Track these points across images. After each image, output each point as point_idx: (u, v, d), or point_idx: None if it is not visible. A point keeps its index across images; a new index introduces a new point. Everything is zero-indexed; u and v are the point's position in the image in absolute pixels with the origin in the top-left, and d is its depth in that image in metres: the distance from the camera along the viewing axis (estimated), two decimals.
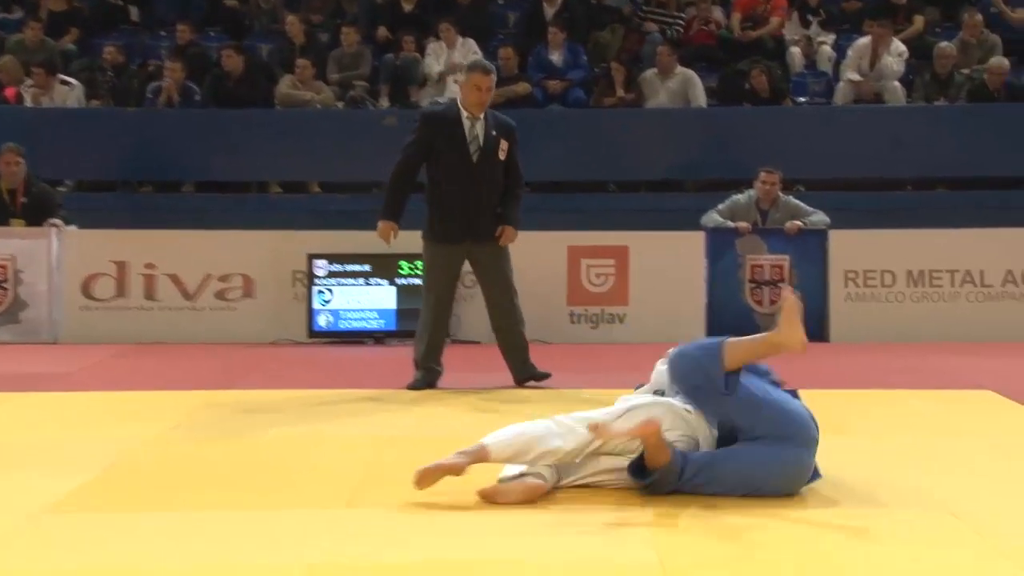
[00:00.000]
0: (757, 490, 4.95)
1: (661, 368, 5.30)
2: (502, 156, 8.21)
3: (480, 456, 5.07)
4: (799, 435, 4.98)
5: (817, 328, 10.38)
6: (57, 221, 10.89)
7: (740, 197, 11.31)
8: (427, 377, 8.24)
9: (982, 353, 9.91)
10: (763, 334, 5.20)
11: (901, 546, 4.48)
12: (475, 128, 8.17)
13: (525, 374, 8.44)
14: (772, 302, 10.73)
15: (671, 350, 5.24)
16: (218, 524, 4.87)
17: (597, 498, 5.09)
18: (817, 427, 5.06)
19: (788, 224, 10.98)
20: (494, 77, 8.30)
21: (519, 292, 8.43)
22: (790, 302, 5.03)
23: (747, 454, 4.97)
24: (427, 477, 5.02)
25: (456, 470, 5.04)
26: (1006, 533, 4.63)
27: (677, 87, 13.40)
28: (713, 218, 11.17)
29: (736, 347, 5.01)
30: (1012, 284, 10.91)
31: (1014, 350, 10.13)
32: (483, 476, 5.11)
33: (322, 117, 13.22)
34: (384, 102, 13.64)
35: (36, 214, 10.97)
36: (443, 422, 7.13)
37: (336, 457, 6.10)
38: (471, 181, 8.14)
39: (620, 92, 13.39)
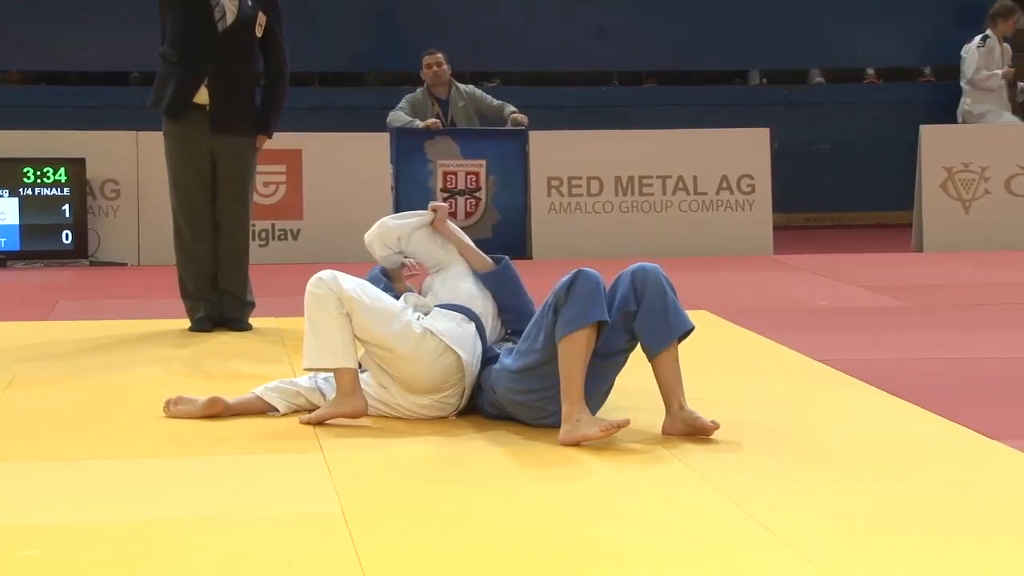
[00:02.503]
0: None
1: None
2: (258, 32, 7.56)
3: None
4: None
5: (518, 244, 10.62)
6: None
7: (416, 92, 11.42)
8: (207, 310, 7.72)
9: (695, 268, 10.27)
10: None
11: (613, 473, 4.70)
12: None
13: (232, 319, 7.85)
14: (468, 214, 10.89)
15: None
16: None
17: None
18: None
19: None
20: None
21: (168, 206, 8.07)
22: None
23: None
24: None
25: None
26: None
27: None
28: (398, 116, 11.21)
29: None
30: (727, 191, 11.28)
31: (729, 264, 10.59)
32: None
33: None
34: None
35: None
36: None
37: None
38: (218, 54, 7.50)
39: None
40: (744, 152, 11.35)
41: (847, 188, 13.01)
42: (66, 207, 10.50)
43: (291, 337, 7.16)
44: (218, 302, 7.74)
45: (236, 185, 7.69)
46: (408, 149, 11.09)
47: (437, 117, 11.23)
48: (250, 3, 7.51)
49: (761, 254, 11.10)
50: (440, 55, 11.30)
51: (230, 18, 7.46)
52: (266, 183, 10.83)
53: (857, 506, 4.26)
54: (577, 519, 4.20)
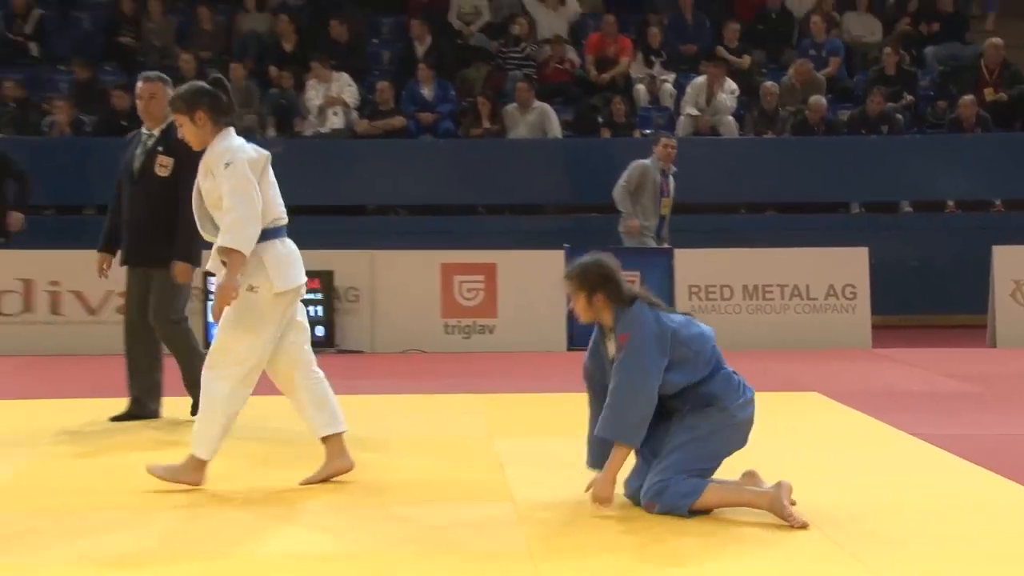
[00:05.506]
0: None
1: None
2: (162, 172, 6.85)
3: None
4: None
5: None
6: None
7: (644, 161, 11.31)
8: (132, 409, 7.09)
9: (808, 359, 10.16)
10: None
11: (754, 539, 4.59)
12: (146, 144, 6.98)
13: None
14: None
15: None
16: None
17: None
18: None
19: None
20: (159, 86, 6.92)
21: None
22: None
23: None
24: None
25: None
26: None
27: (536, 119, 13.49)
28: (619, 192, 11.22)
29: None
30: (834, 297, 11.14)
31: (836, 356, 10.38)
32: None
33: None
34: (271, 132, 13.51)
35: None
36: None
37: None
38: (133, 201, 6.97)
39: (486, 124, 13.45)
40: (847, 266, 11.18)
41: (932, 295, 12.75)
42: (318, 308, 10.63)
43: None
44: None
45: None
46: None
47: (662, 189, 11.26)
48: (159, 148, 6.86)
49: (861, 347, 10.86)
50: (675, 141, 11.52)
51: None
52: (469, 289, 10.96)
53: None
54: None
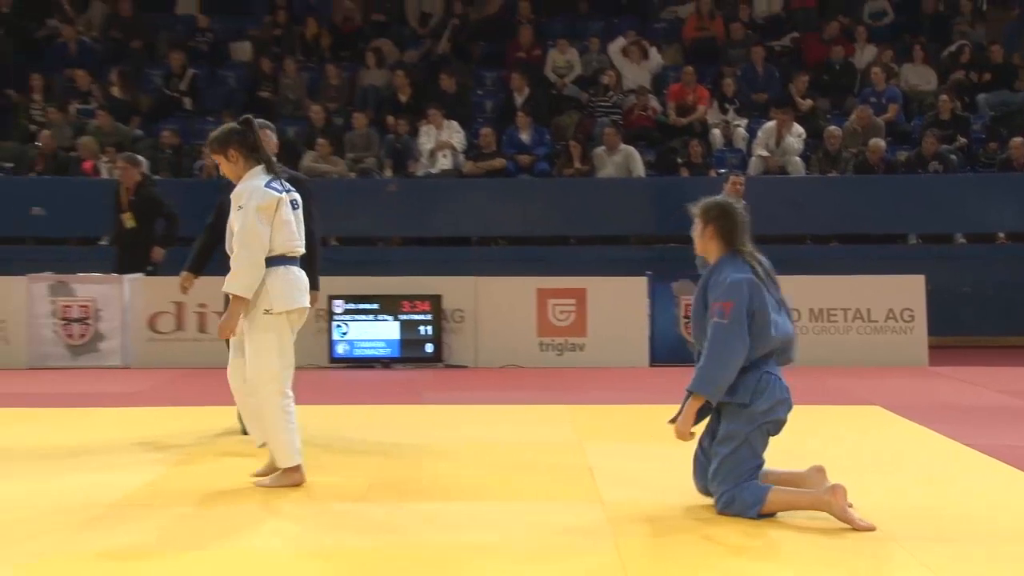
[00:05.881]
0: None
1: None
2: None
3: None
4: None
5: None
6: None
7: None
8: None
9: (870, 376, 10.02)
10: None
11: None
12: None
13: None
14: None
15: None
16: (237, 516, 4.91)
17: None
18: None
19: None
20: (270, 134, 6.86)
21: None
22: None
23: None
24: None
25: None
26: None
27: (621, 160, 13.50)
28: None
29: None
30: (893, 320, 10.98)
31: (895, 372, 10.24)
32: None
33: (338, 185, 13.25)
34: (388, 173, 13.70)
35: (143, 211, 10.88)
36: (446, 432, 7.18)
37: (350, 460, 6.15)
38: None
39: (577, 164, 13.50)
40: (905, 292, 11.00)
41: (983, 318, 12.50)
42: (429, 327, 10.77)
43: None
44: None
45: None
46: (660, 289, 11.11)
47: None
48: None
49: (919, 365, 10.68)
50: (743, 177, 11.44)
51: None
52: (561, 311, 10.98)
53: None
54: None
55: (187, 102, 14.79)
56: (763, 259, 5.02)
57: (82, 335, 10.80)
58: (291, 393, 5.44)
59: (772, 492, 4.75)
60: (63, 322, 10.80)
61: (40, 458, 6.23)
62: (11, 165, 13.55)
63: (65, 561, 4.22)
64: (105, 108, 13.96)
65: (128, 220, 10.91)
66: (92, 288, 10.88)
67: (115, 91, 14.43)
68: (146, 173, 11.32)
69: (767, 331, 4.82)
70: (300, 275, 5.47)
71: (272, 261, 5.33)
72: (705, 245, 5.01)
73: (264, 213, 5.31)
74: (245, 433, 6.41)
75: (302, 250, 5.50)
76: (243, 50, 15.66)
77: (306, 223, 6.17)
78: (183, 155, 13.74)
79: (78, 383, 9.72)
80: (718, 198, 5.10)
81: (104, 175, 13.09)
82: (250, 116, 5.54)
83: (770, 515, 4.74)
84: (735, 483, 4.75)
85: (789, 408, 4.88)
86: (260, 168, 5.46)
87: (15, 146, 13.88)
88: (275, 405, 5.33)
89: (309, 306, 5.56)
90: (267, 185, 5.38)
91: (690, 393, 4.83)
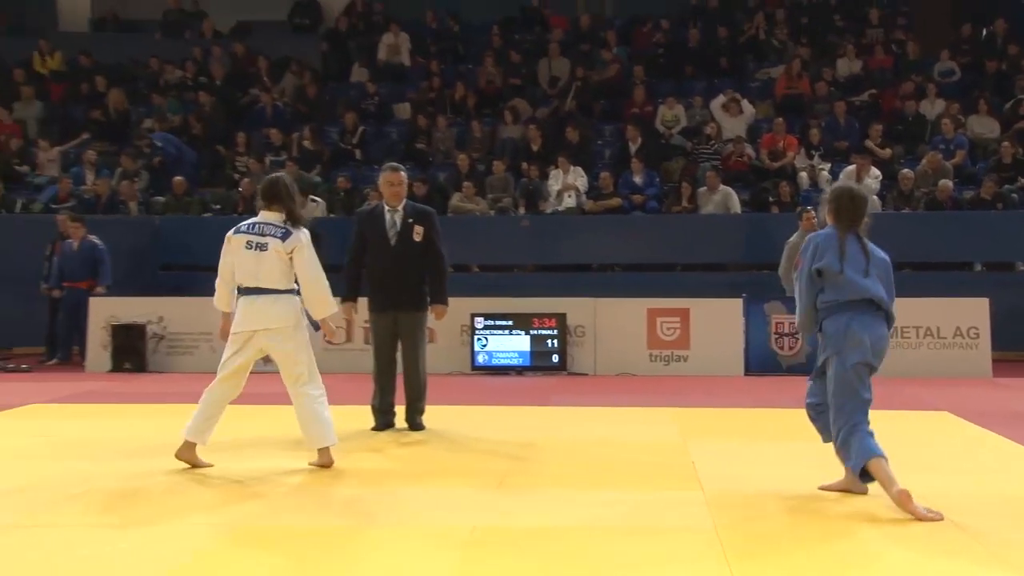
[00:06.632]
0: None
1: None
2: (417, 238, 6.75)
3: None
4: None
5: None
6: None
7: (791, 239, 10.68)
8: (383, 420, 6.86)
9: (939, 386, 9.60)
10: None
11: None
12: (394, 217, 6.79)
13: (410, 422, 6.91)
14: (790, 347, 10.54)
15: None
16: (392, 496, 4.91)
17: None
18: None
19: None
20: (403, 175, 6.87)
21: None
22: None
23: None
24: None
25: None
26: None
27: (721, 199, 13.28)
28: (782, 272, 10.63)
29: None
30: (960, 337, 10.53)
31: (962, 383, 9.80)
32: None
33: (480, 221, 13.34)
34: (521, 211, 13.72)
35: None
36: (572, 431, 7.10)
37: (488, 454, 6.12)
38: (392, 260, 6.74)
39: (684, 203, 13.32)
40: (971, 313, 10.52)
41: None
42: (555, 341, 10.72)
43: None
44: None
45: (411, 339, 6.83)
46: (753, 308, 10.84)
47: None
48: (410, 220, 6.80)
49: (983, 377, 10.19)
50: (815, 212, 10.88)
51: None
52: (668, 328, 10.82)
53: None
54: None
55: (357, 153, 15.04)
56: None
57: None
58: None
59: (875, 461, 4.57)
60: None
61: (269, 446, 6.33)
62: (219, 206, 14.03)
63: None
64: (293, 159, 14.34)
65: None
66: None
67: (307, 143, 14.80)
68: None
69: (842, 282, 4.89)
70: (243, 303, 5.64)
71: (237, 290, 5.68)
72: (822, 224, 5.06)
73: (227, 250, 5.78)
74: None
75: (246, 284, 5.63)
76: (403, 110, 15.93)
77: (432, 248, 6.69)
78: (354, 196, 14.00)
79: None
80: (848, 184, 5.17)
81: None
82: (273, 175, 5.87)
83: (870, 478, 4.64)
84: (845, 420, 4.66)
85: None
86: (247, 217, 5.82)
87: (223, 192, 14.39)
88: (316, 395, 5.68)
89: (254, 329, 5.66)
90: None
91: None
